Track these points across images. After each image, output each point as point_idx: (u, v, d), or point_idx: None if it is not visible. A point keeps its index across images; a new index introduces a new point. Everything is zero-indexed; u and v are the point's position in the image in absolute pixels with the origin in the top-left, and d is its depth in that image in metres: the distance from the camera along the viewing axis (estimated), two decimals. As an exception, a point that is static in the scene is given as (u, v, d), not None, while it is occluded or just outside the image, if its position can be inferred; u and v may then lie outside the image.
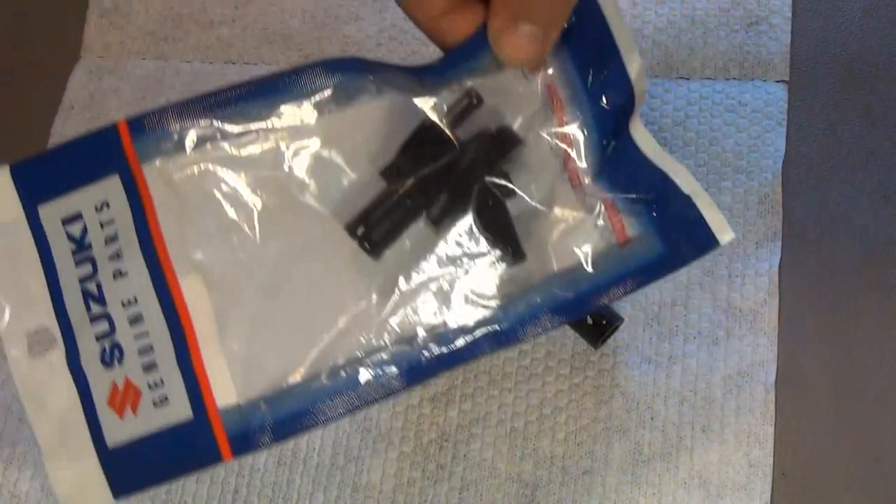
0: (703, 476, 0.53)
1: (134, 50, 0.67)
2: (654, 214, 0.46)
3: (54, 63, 0.67)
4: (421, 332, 0.46)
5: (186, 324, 0.46)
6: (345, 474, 0.56)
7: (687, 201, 0.46)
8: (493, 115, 0.47)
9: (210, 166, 0.46)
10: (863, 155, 0.59)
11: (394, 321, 0.46)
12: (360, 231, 0.46)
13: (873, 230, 0.58)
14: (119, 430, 0.46)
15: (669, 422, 0.55)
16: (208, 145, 0.46)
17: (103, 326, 0.46)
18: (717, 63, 0.62)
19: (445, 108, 0.47)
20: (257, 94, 0.46)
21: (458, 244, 0.46)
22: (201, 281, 0.46)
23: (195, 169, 0.46)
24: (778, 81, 0.61)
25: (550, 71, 0.47)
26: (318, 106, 0.46)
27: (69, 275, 0.46)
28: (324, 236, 0.46)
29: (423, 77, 0.47)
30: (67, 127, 0.65)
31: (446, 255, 0.46)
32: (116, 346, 0.46)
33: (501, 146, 0.47)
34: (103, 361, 0.46)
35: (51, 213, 0.46)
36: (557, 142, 0.47)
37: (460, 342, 0.46)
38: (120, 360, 0.46)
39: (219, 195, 0.46)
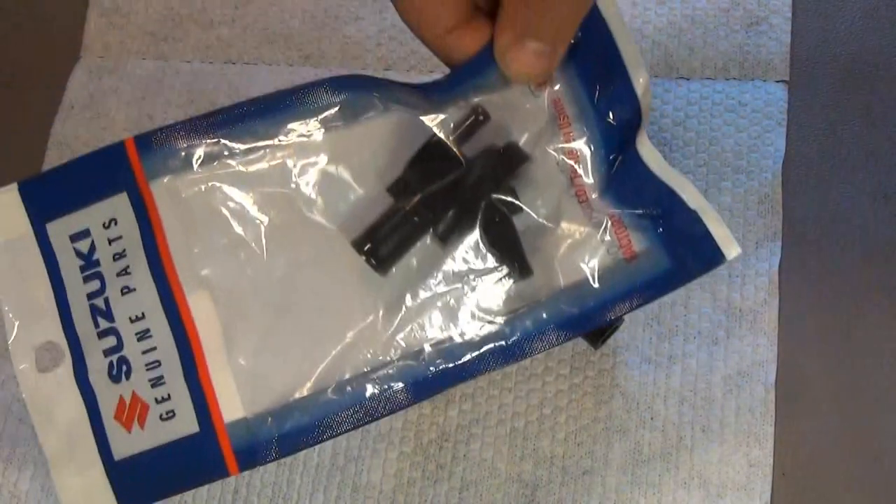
0: (703, 476, 0.54)
1: (134, 50, 0.66)
2: (661, 230, 0.46)
3: (54, 63, 0.67)
4: (427, 348, 0.46)
5: (194, 339, 0.46)
6: (345, 474, 0.56)
7: (693, 216, 0.46)
8: (500, 131, 0.47)
9: (217, 183, 0.46)
10: (863, 155, 0.59)
11: (400, 337, 0.46)
12: (367, 247, 0.46)
13: (873, 230, 0.58)
14: (126, 444, 0.46)
15: (669, 422, 0.55)
16: (215, 162, 0.46)
17: (111, 341, 0.46)
18: (717, 63, 0.62)
19: (452, 124, 0.47)
20: (264, 112, 0.46)
21: (465, 260, 0.46)
22: (209, 297, 0.46)
23: (202, 186, 0.46)
24: (778, 81, 0.61)
25: (557, 87, 0.47)
26: (324, 123, 0.46)
27: (77, 290, 0.46)
28: (331, 252, 0.46)
29: (430, 94, 0.46)
30: (67, 127, 0.65)
31: (453, 272, 0.46)
32: (124, 361, 0.46)
33: (508, 162, 0.47)
34: (111, 376, 0.46)
35: (59, 229, 0.46)
36: (564, 157, 0.47)
37: (467, 357, 0.46)
38: (127, 375, 0.46)
39: (226, 212, 0.46)
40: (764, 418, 0.55)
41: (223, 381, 0.46)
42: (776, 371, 0.55)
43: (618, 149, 0.47)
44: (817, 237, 0.58)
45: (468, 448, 0.56)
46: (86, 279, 0.46)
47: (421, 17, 0.45)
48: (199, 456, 0.45)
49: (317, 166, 0.46)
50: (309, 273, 0.46)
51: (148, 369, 0.46)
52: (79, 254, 0.46)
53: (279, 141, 0.46)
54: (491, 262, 0.47)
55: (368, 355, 0.46)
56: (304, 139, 0.46)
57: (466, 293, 0.46)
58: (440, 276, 0.46)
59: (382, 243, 0.46)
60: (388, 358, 0.46)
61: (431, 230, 0.46)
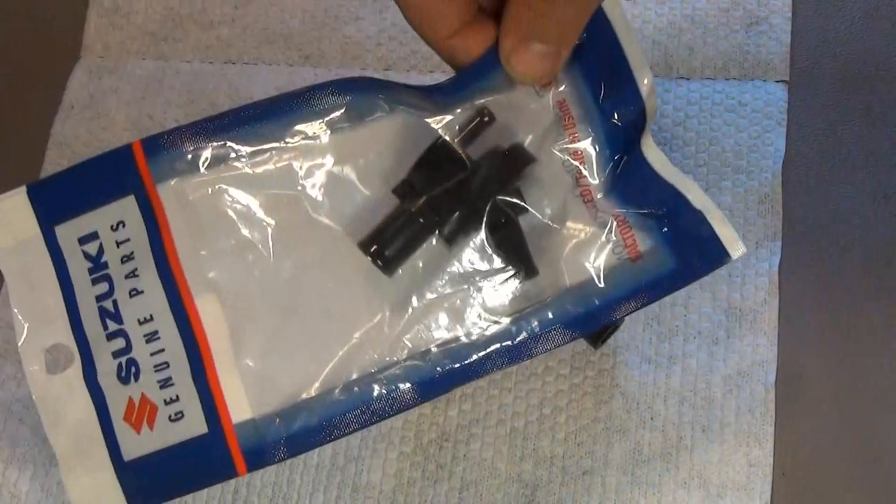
0: (703, 476, 0.54)
1: (134, 50, 0.66)
2: (666, 230, 0.46)
3: (54, 63, 0.67)
4: (434, 348, 0.46)
5: (202, 341, 0.46)
6: (345, 474, 0.56)
7: (699, 216, 0.46)
8: (505, 132, 0.47)
9: (224, 185, 0.46)
10: (863, 155, 0.59)
11: (407, 337, 0.46)
12: (374, 248, 0.46)
13: (873, 230, 0.58)
14: (135, 445, 0.46)
15: (669, 422, 0.55)
16: (222, 165, 0.46)
17: (120, 343, 0.46)
18: (717, 63, 0.62)
19: (457, 126, 0.47)
20: (270, 114, 0.46)
21: (471, 261, 0.47)
22: (216, 299, 0.46)
23: (209, 188, 0.46)
24: (778, 81, 0.61)
25: (562, 88, 0.47)
26: (330, 125, 0.46)
27: (86, 293, 0.46)
28: (337, 253, 0.46)
29: (435, 96, 0.47)
30: (67, 127, 0.65)
31: (459, 273, 0.46)
32: (133, 363, 0.46)
33: (513, 164, 0.47)
34: (120, 378, 0.46)
35: (67, 232, 0.47)
36: (569, 158, 0.47)
37: (473, 357, 0.46)
38: (136, 377, 0.46)
39: (233, 214, 0.46)
40: (764, 418, 0.55)
41: (231, 382, 0.46)
42: (776, 371, 0.56)
43: (623, 149, 0.47)
44: (817, 237, 0.58)
45: (468, 448, 0.56)
46: (94, 281, 0.46)
47: (425, 20, 0.45)
48: (208, 456, 0.46)
49: (323, 168, 0.46)
50: (316, 274, 0.46)
51: (156, 371, 0.46)
52: (87, 256, 0.46)
53: (285, 143, 0.46)
54: (497, 262, 0.47)
55: (375, 356, 0.46)
56: (310, 141, 0.46)
57: (472, 294, 0.46)
58: (446, 277, 0.46)
59: (389, 244, 0.46)
60: (395, 358, 0.46)
61: (437, 231, 0.46)
